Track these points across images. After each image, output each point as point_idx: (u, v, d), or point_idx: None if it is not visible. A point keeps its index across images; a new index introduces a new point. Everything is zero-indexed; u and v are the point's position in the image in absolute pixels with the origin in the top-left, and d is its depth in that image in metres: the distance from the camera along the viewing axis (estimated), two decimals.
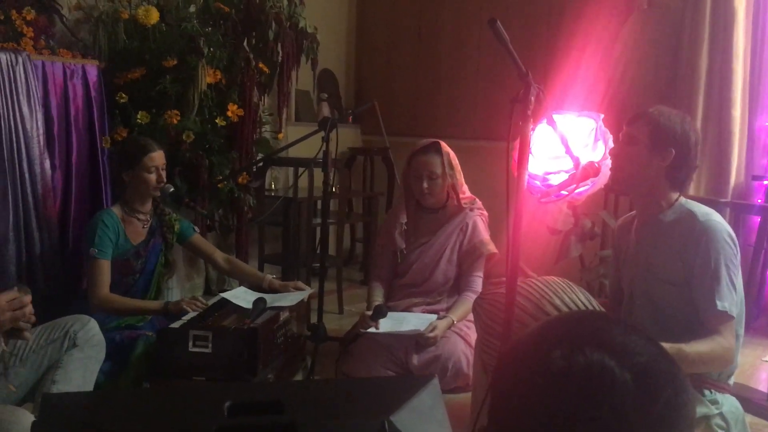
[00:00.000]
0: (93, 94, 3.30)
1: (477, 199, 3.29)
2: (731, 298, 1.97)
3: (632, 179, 2.12)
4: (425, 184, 3.13)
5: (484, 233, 3.21)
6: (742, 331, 2.09)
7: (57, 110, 3.18)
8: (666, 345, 1.83)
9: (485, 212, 3.29)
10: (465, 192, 3.25)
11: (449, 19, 5.37)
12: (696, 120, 3.96)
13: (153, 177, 2.88)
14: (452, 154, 3.18)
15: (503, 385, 0.82)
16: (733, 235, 2.03)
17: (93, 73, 3.31)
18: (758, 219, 3.93)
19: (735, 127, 4.01)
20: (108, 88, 3.41)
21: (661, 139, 2.03)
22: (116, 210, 2.90)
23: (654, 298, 2.11)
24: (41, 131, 3.08)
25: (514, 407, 0.78)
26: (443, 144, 3.17)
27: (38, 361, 2.23)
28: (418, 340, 2.96)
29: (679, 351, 1.86)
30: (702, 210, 2.06)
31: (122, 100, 3.41)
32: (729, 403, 2.06)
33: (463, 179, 3.23)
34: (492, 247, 3.18)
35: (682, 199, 2.11)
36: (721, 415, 2.02)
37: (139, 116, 3.39)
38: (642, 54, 4.24)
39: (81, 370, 2.26)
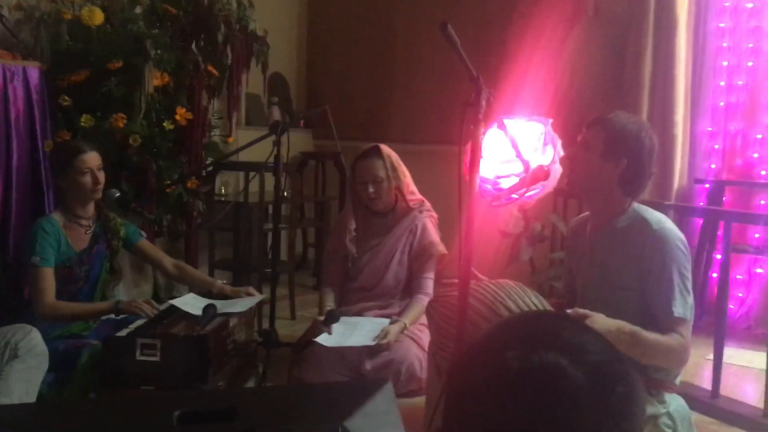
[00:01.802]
0: (34, 96, 3.20)
1: (426, 201, 3.30)
2: (685, 304, 2.02)
3: (586, 184, 2.16)
4: (371, 189, 3.13)
5: (434, 234, 3.22)
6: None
7: None
8: (623, 324, 1.88)
9: (434, 214, 3.30)
10: (414, 193, 3.26)
11: (401, 23, 5.39)
12: None
13: (88, 179, 2.78)
14: (394, 155, 3.19)
15: (458, 388, 0.81)
16: (685, 241, 2.08)
17: (34, 75, 3.21)
18: (701, 221, 4.05)
19: (677, 131, 4.12)
20: (50, 91, 3.30)
21: (615, 148, 2.06)
22: (57, 216, 2.80)
23: (608, 302, 2.13)
24: None
25: (470, 409, 0.78)
26: (384, 147, 3.18)
27: None
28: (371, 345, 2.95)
29: (637, 332, 1.93)
30: (655, 217, 2.10)
31: (65, 103, 3.32)
32: (676, 402, 2.11)
33: (410, 180, 3.24)
34: (442, 248, 3.20)
35: (635, 205, 2.15)
36: (668, 414, 2.06)
37: (83, 119, 3.30)
38: (589, 60, 4.33)
39: (23, 382, 2.19)
